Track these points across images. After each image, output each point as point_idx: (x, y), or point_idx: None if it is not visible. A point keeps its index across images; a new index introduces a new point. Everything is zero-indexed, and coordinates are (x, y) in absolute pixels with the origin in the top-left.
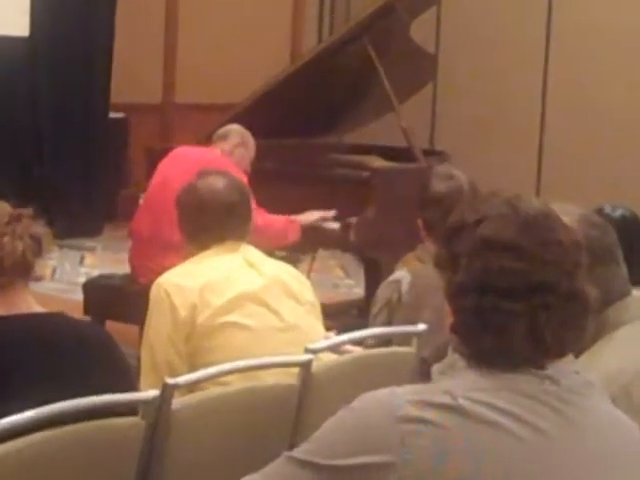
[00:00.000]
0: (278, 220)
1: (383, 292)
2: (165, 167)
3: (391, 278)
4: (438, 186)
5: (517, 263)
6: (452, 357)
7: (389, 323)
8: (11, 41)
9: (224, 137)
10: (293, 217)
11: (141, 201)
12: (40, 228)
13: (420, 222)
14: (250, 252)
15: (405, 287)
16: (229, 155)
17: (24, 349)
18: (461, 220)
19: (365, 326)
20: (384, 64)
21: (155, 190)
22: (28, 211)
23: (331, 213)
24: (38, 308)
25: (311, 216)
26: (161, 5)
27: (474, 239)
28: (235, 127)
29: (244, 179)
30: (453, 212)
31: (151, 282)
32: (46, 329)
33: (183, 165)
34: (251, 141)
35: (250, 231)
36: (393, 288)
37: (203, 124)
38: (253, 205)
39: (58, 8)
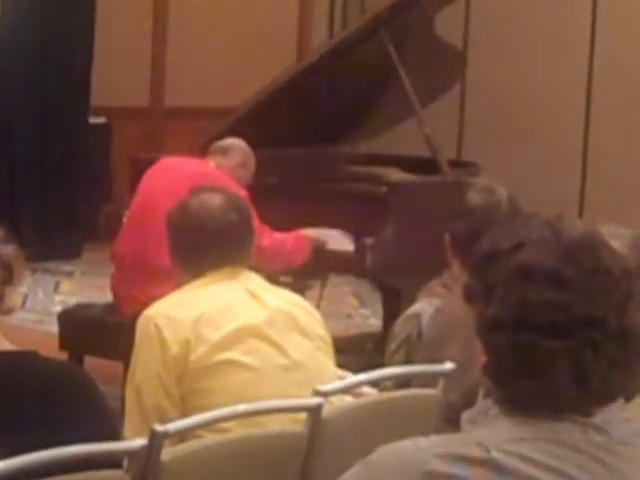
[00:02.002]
0: (287, 238)
1: (401, 328)
2: (150, 181)
3: (410, 311)
4: (473, 198)
5: (559, 295)
6: (484, 403)
7: (407, 363)
8: None
9: (224, 152)
10: (301, 232)
11: (125, 219)
12: (11, 252)
13: (446, 237)
14: (251, 280)
15: (426, 321)
16: (227, 173)
17: None
18: (495, 246)
19: (384, 364)
20: (405, 63)
21: (139, 208)
22: None
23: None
24: (6, 345)
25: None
26: None
27: (510, 267)
28: (238, 142)
29: (243, 194)
30: (484, 233)
31: (136, 313)
32: (15, 371)
33: (170, 179)
34: (252, 162)
35: (252, 255)
36: (413, 323)
37: (196, 131)
38: (256, 224)
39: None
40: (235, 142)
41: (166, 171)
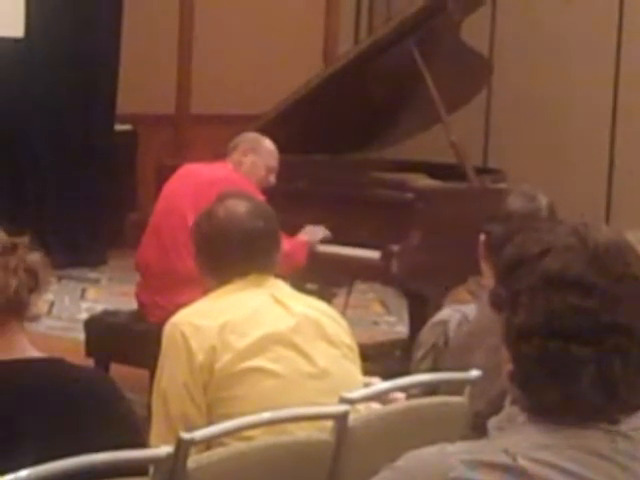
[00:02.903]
0: (297, 242)
1: (428, 335)
2: (170, 188)
3: (437, 318)
4: (514, 202)
5: (586, 302)
6: (510, 410)
7: (434, 370)
8: (3, 43)
9: (234, 146)
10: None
11: None
12: (37, 259)
13: (482, 237)
14: (278, 287)
15: (453, 329)
16: (239, 165)
17: (16, 400)
18: (521, 252)
19: (409, 371)
20: (431, 69)
21: (160, 215)
22: (24, 240)
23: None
24: (34, 352)
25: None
26: (174, 2)
27: (536, 274)
28: (244, 134)
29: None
30: (512, 241)
31: (161, 321)
32: (43, 378)
33: (191, 185)
34: (265, 146)
35: (277, 262)
36: (439, 331)
37: (222, 138)
38: None
39: (57, 6)
40: (243, 134)
41: (186, 178)
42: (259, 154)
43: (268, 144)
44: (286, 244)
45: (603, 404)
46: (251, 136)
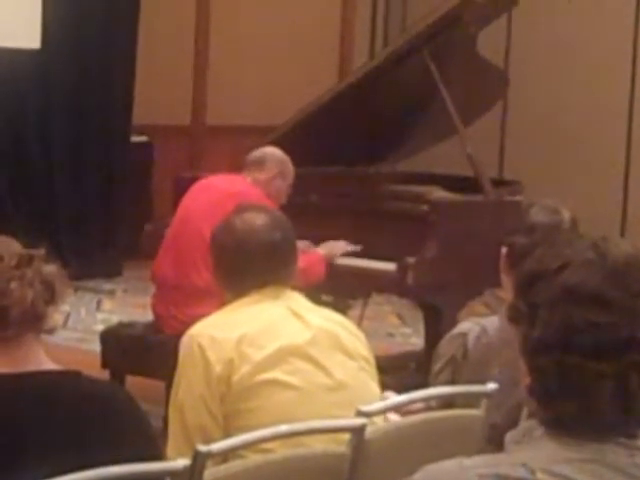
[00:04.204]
0: (313, 258)
1: (447, 347)
2: (187, 203)
3: (456, 331)
4: (537, 215)
5: (604, 316)
6: (528, 423)
7: (452, 383)
8: (19, 54)
9: (259, 165)
10: (313, 250)
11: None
12: (53, 271)
13: (505, 250)
14: (294, 299)
15: (472, 341)
16: (265, 187)
17: (33, 413)
18: (540, 266)
19: (426, 384)
20: (447, 81)
21: (177, 228)
22: (40, 252)
23: (353, 247)
24: (50, 365)
25: (334, 248)
26: (191, 14)
27: (555, 288)
28: (272, 153)
29: None
30: (531, 256)
31: (177, 333)
32: (58, 391)
33: (207, 199)
34: (289, 169)
35: (294, 275)
36: (458, 343)
37: (238, 149)
38: None
39: (73, 17)
40: (268, 153)
41: (202, 192)
42: (285, 179)
43: (291, 167)
44: (301, 260)
45: (621, 419)
46: (278, 158)
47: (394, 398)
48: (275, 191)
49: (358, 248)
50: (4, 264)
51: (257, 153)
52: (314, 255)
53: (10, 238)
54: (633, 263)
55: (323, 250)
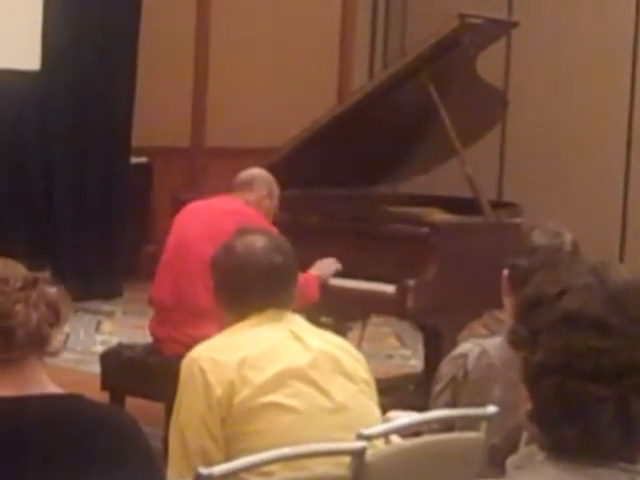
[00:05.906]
0: (308, 278)
1: (447, 368)
2: (180, 223)
3: (457, 352)
4: (538, 237)
5: (604, 341)
6: (529, 448)
7: (452, 404)
8: (19, 76)
9: (249, 186)
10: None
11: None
12: (58, 293)
13: (506, 272)
14: (295, 322)
15: (472, 362)
16: (256, 207)
17: (36, 436)
18: (540, 292)
19: (425, 405)
20: (446, 103)
21: (172, 250)
22: (45, 275)
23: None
24: (53, 388)
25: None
26: (190, 36)
27: (555, 314)
28: (258, 174)
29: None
30: (531, 281)
31: (177, 354)
32: (62, 414)
33: (203, 219)
34: (276, 189)
35: (295, 297)
36: (459, 364)
37: (237, 171)
38: None
39: (73, 39)
40: (255, 174)
41: (196, 212)
42: (272, 199)
43: (277, 187)
44: (311, 280)
45: (621, 443)
46: (265, 179)
47: (394, 422)
48: (265, 211)
49: (340, 267)
50: (9, 286)
51: (244, 175)
52: (308, 276)
53: (13, 260)
54: (633, 288)
55: (316, 271)
